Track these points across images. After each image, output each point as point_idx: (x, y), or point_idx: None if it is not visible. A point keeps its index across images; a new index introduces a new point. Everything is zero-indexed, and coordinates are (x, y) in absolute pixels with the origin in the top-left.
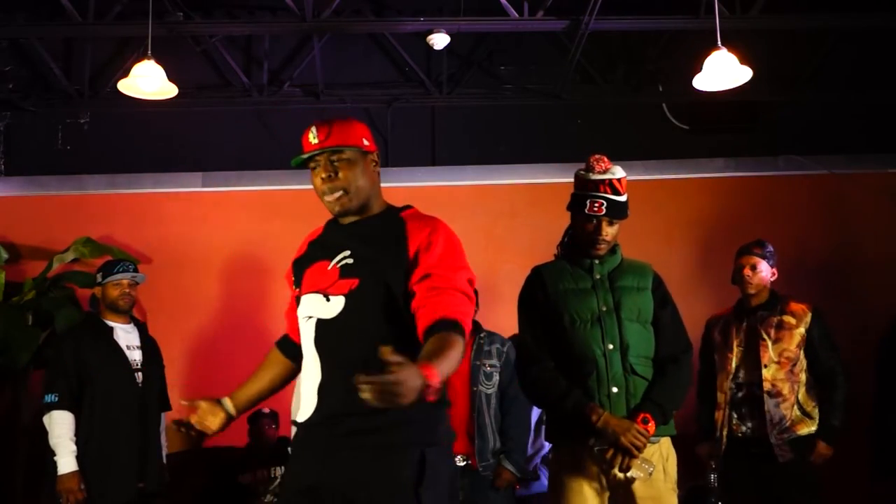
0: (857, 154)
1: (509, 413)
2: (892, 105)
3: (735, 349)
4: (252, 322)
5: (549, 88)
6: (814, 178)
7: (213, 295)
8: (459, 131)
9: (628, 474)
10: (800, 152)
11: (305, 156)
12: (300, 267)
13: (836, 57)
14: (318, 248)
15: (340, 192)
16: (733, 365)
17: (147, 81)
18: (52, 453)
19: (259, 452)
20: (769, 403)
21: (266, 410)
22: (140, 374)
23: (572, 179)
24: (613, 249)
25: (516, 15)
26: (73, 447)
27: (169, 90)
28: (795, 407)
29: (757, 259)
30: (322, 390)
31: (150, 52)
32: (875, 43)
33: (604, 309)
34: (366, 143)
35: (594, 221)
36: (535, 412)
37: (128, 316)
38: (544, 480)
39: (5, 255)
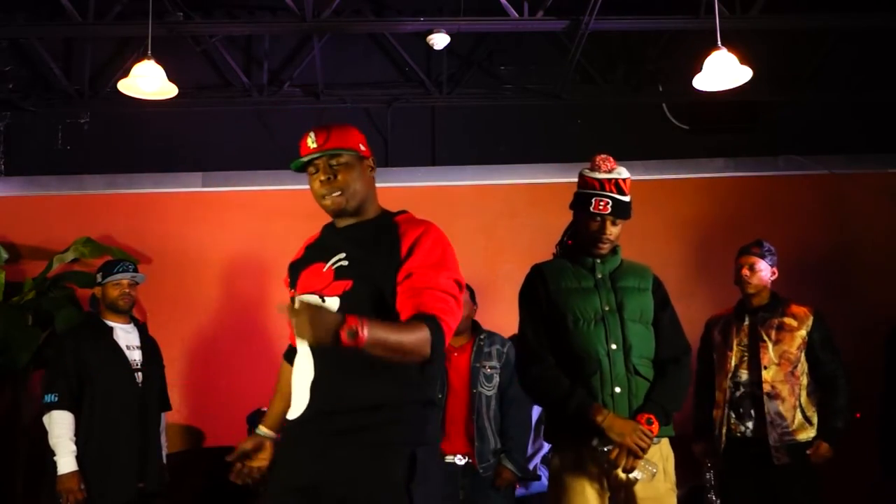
0: (857, 154)
1: (510, 413)
2: (892, 105)
3: (735, 349)
4: (252, 322)
5: (549, 88)
6: (814, 178)
7: (213, 295)
8: (459, 131)
9: (632, 475)
10: (800, 152)
11: (305, 159)
12: (296, 269)
13: (836, 57)
14: (315, 252)
15: (338, 193)
16: (732, 364)
17: (147, 81)
18: (52, 453)
19: None
20: (769, 405)
21: (265, 410)
22: (140, 374)
23: (572, 179)
24: (614, 250)
25: (516, 15)
26: (73, 447)
27: (169, 90)
28: (798, 411)
29: (755, 259)
30: (315, 387)
31: (150, 52)
32: (875, 43)
33: (607, 308)
34: (362, 147)
35: (598, 220)
36: (536, 411)
37: (127, 316)
38: (544, 480)
39: (5, 255)
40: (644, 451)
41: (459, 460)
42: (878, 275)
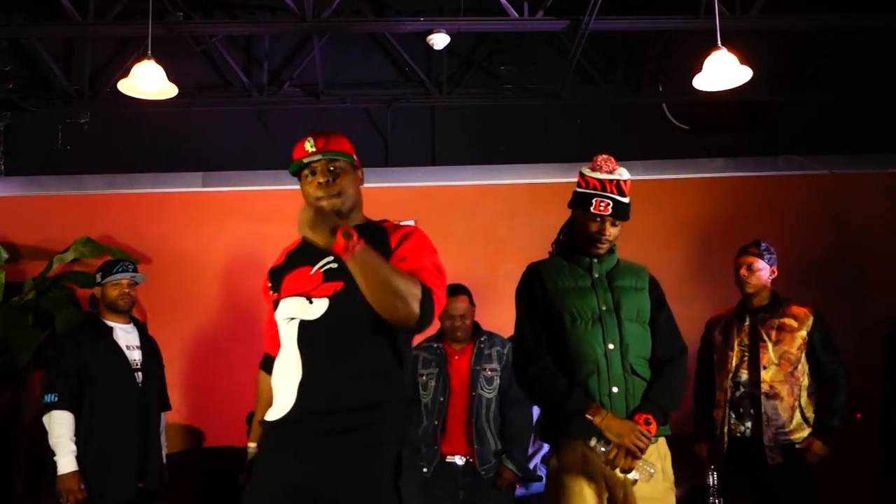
0: (857, 154)
1: (511, 414)
2: (892, 105)
3: (736, 348)
4: (252, 322)
5: (549, 88)
6: (814, 178)
7: (213, 295)
8: (459, 131)
9: (630, 475)
10: (800, 152)
11: (307, 160)
12: (278, 274)
13: (836, 57)
14: (298, 256)
15: (336, 195)
16: (733, 364)
17: (147, 81)
18: (52, 453)
19: None
20: (766, 405)
21: None
22: (140, 373)
23: (572, 179)
24: (611, 249)
25: (516, 15)
26: (73, 447)
27: (169, 90)
28: (797, 411)
29: (753, 259)
30: (303, 388)
31: (150, 52)
32: (875, 43)
33: (604, 308)
34: (355, 157)
35: (598, 221)
36: (536, 411)
37: (127, 316)
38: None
39: (5, 255)
40: (642, 451)
41: (459, 460)
42: (878, 275)
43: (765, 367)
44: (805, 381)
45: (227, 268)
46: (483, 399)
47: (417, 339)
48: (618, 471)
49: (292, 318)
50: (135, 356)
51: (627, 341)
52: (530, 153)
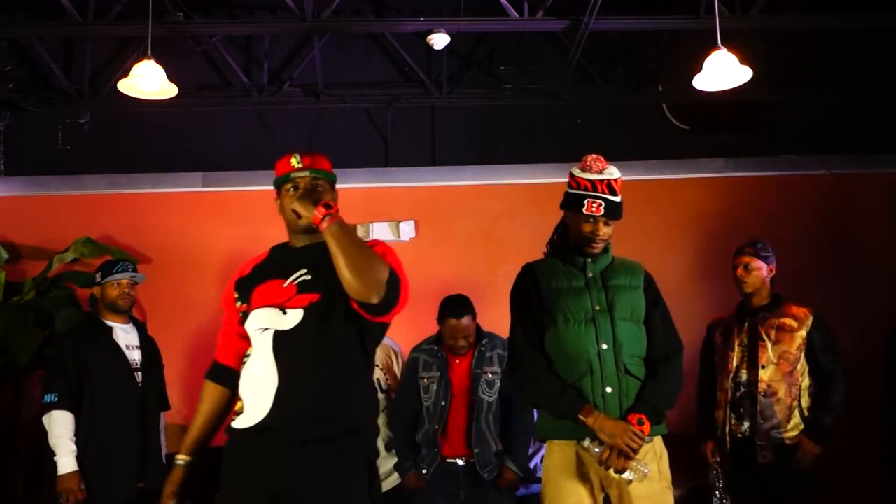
0: (857, 154)
1: (513, 415)
2: (892, 105)
3: (736, 349)
4: None
5: (549, 88)
6: (814, 178)
7: (213, 295)
8: (459, 131)
9: (624, 476)
10: (800, 152)
11: (293, 174)
12: (246, 286)
13: (836, 57)
14: (268, 269)
15: (314, 199)
16: (734, 364)
17: (147, 81)
18: (52, 453)
19: None
20: (762, 404)
21: None
22: (140, 373)
23: None
24: (605, 248)
25: (516, 15)
26: (73, 447)
27: (169, 90)
28: (797, 411)
29: (749, 258)
30: (280, 396)
31: (150, 52)
32: (875, 43)
33: (597, 308)
34: (335, 178)
35: (591, 221)
36: (536, 412)
37: (127, 316)
38: None
39: (5, 255)
40: (635, 451)
41: (460, 461)
42: (878, 275)
43: (763, 367)
44: (805, 382)
45: (227, 268)
46: (484, 403)
47: (417, 340)
48: (612, 471)
49: (266, 329)
50: (134, 356)
51: (621, 341)
52: (530, 153)
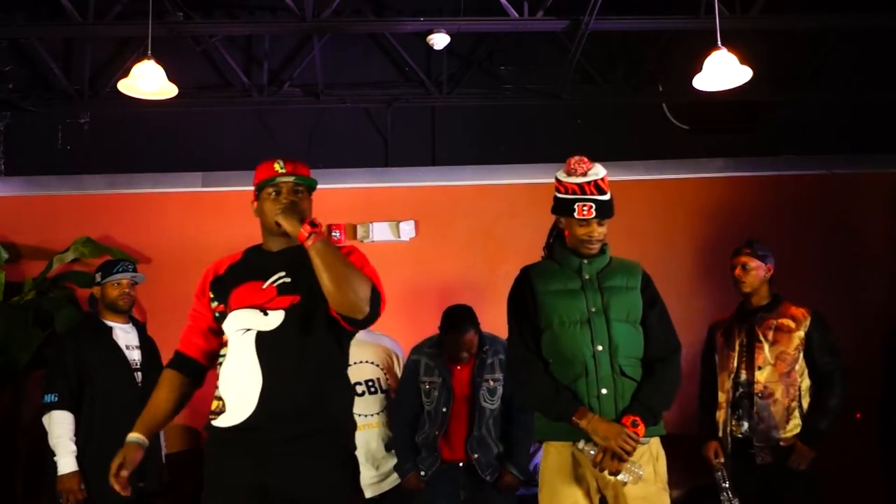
0: (857, 154)
1: (514, 419)
2: (892, 105)
3: (737, 349)
4: None
5: (549, 88)
6: (814, 178)
7: None
8: (459, 131)
9: (617, 478)
10: (800, 152)
11: (278, 179)
12: (223, 286)
13: (836, 57)
14: (243, 272)
15: (299, 215)
16: (734, 365)
17: (147, 81)
18: (52, 453)
19: None
20: (759, 405)
21: None
22: (139, 373)
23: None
24: (602, 249)
25: (516, 15)
26: (73, 447)
27: (169, 90)
28: (797, 412)
29: (746, 258)
30: (265, 394)
31: (150, 52)
32: (875, 43)
33: (593, 310)
34: (314, 185)
35: (585, 224)
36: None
37: (127, 316)
38: None
39: (5, 255)
40: (629, 453)
41: (461, 463)
42: (878, 275)
43: (759, 368)
44: (805, 383)
45: None
46: (486, 410)
47: (417, 340)
48: (606, 473)
49: (248, 329)
50: (134, 356)
51: (616, 342)
52: (530, 153)
